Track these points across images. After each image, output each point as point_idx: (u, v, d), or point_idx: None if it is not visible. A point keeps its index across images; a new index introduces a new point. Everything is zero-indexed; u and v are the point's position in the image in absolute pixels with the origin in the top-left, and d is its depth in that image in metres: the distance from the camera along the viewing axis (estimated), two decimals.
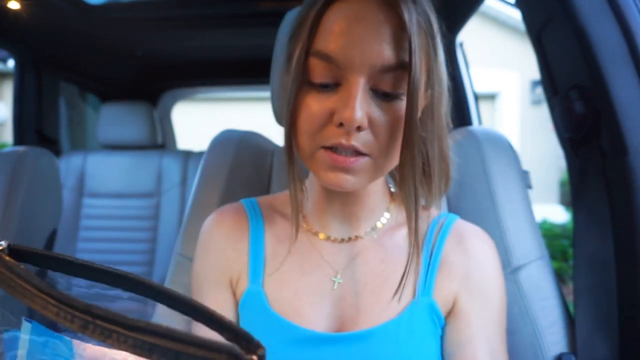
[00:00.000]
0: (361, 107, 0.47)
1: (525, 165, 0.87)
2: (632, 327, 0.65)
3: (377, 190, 0.61)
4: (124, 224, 1.99)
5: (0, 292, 0.27)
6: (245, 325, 0.60)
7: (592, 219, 0.73)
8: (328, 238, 0.61)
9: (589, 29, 0.67)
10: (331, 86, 0.50)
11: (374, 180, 0.55)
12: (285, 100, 0.53)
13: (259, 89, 2.73)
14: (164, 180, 2.02)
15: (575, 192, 0.79)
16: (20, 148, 1.34)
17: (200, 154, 2.01)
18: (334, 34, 0.48)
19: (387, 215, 0.62)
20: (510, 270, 0.76)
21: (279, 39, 0.72)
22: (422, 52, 0.49)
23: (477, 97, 1.83)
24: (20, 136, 1.99)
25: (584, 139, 0.74)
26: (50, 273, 0.29)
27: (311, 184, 0.63)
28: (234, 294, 0.62)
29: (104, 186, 2.03)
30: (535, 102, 6.93)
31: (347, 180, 0.51)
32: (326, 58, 0.49)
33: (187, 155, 2.06)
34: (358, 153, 0.50)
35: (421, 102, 0.53)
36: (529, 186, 0.87)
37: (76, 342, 0.29)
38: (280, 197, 0.68)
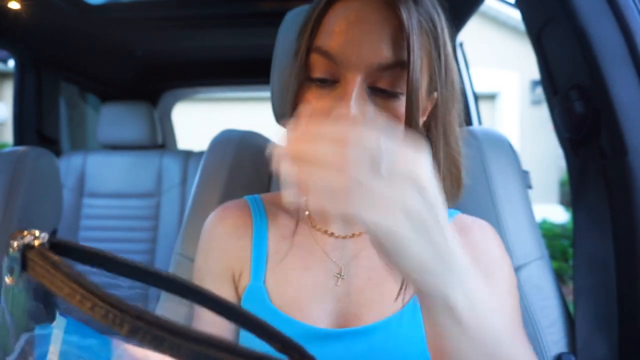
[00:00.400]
0: (356, 104, 0.48)
1: (525, 165, 0.87)
2: (631, 327, 0.65)
3: None
4: (124, 224, 1.99)
5: (31, 283, 0.26)
6: None
7: (592, 219, 0.73)
8: (332, 234, 0.62)
9: (589, 29, 0.67)
10: (330, 82, 0.52)
11: None
12: (288, 96, 0.55)
13: (259, 89, 2.73)
14: (164, 180, 2.02)
15: (575, 192, 0.79)
16: (21, 148, 1.34)
17: (200, 154, 2.01)
18: (334, 33, 0.50)
19: None
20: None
21: (279, 39, 0.72)
22: (422, 52, 0.50)
23: (477, 97, 1.83)
24: (20, 136, 1.99)
25: (583, 139, 0.74)
26: None
27: None
28: (237, 289, 0.62)
29: (104, 186, 2.03)
30: (535, 102, 6.93)
31: None
32: (325, 55, 0.51)
33: (187, 155, 2.06)
34: None
35: (422, 103, 0.53)
36: (529, 186, 0.87)
37: (116, 342, 0.28)
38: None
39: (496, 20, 6.76)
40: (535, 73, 1.02)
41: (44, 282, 0.23)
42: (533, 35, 0.84)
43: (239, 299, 0.62)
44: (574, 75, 0.74)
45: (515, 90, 7.00)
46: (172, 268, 0.81)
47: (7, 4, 1.46)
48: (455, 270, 0.36)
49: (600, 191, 0.71)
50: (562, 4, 0.69)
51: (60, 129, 2.19)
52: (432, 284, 0.35)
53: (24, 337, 0.27)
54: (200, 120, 5.86)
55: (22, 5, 1.48)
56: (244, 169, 0.87)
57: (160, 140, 2.15)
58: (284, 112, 0.70)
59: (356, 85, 0.49)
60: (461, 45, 1.74)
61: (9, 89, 5.18)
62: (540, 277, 0.76)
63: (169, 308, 0.76)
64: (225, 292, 0.62)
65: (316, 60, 0.52)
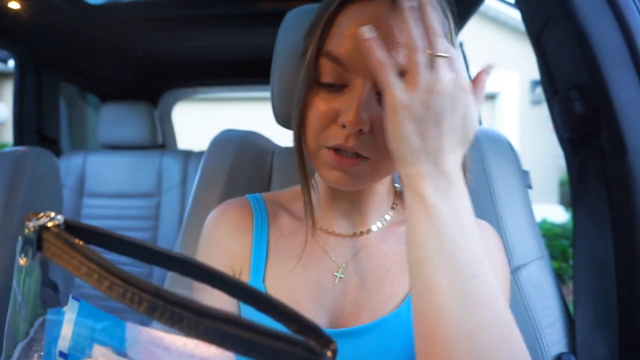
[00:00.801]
0: (364, 110, 0.48)
1: (525, 165, 0.87)
2: (631, 327, 0.65)
3: (383, 190, 0.62)
4: (124, 224, 1.99)
5: (39, 271, 0.26)
6: None
7: (592, 219, 0.73)
8: (332, 233, 0.62)
9: (589, 29, 0.67)
10: (338, 87, 0.51)
11: (374, 181, 0.56)
12: (295, 99, 0.54)
13: (259, 89, 2.73)
14: (164, 180, 2.02)
15: (575, 192, 0.79)
16: (21, 148, 1.34)
17: (200, 154, 2.01)
18: (344, 37, 0.50)
19: (391, 212, 0.63)
20: (510, 270, 0.76)
21: (279, 39, 0.71)
22: None
23: None
24: (20, 136, 1.99)
25: (583, 139, 0.74)
26: None
27: (316, 182, 0.63)
28: None
29: (104, 186, 2.03)
30: (535, 102, 6.93)
31: (346, 180, 0.53)
32: (335, 60, 0.50)
33: (187, 155, 2.06)
34: (358, 155, 0.51)
35: None
36: (529, 186, 0.87)
37: (130, 325, 0.27)
38: (285, 194, 0.69)
39: (496, 20, 6.77)
40: (535, 73, 1.02)
41: (60, 263, 0.23)
42: (533, 35, 0.84)
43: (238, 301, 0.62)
44: (574, 75, 0.74)
45: (515, 90, 7.00)
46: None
47: (7, 4, 1.46)
48: (440, 170, 0.42)
49: (600, 191, 0.71)
50: (562, 4, 0.69)
51: (60, 129, 2.19)
52: (416, 166, 0.42)
53: (38, 322, 0.27)
54: (200, 120, 5.86)
55: (22, 5, 1.48)
56: (244, 169, 0.87)
57: (160, 140, 2.15)
58: (284, 112, 0.70)
59: (364, 91, 0.49)
60: (461, 45, 1.74)
61: (9, 89, 5.18)
62: (540, 277, 0.76)
63: (175, 290, 0.76)
64: None
65: (325, 64, 0.51)
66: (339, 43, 0.50)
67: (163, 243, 1.95)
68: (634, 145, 0.65)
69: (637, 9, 0.67)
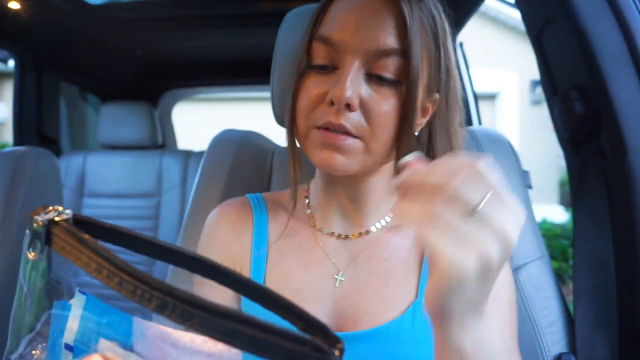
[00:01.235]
0: (352, 86, 0.49)
1: (525, 165, 0.87)
2: (631, 327, 0.65)
3: (381, 187, 0.60)
4: (124, 224, 1.94)
5: (43, 267, 0.25)
6: None
7: (592, 219, 0.73)
8: (332, 234, 0.61)
9: (589, 29, 0.67)
10: (329, 69, 0.53)
11: (367, 165, 0.55)
12: (290, 87, 0.56)
13: (259, 89, 2.73)
14: (164, 180, 2.02)
15: (575, 192, 0.79)
16: (21, 148, 1.34)
17: (200, 154, 2.01)
18: (335, 21, 0.52)
19: (392, 215, 0.62)
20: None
21: (279, 39, 0.71)
22: (422, 44, 0.51)
23: (477, 97, 1.83)
24: (20, 136, 1.98)
25: (583, 139, 0.74)
26: None
27: (316, 182, 0.63)
28: None
29: (104, 186, 2.03)
30: (535, 102, 6.93)
31: (337, 160, 0.52)
32: (325, 41, 0.52)
33: (187, 155, 2.06)
34: (348, 134, 0.51)
35: (422, 99, 0.53)
36: (529, 186, 0.87)
37: (137, 320, 0.27)
38: (286, 194, 0.68)
39: (496, 20, 6.76)
40: (535, 73, 1.02)
41: (69, 258, 0.23)
42: (533, 36, 0.84)
43: (239, 297, 0.62)
44: (574, 75, 0.74)
45: (515, 90, 7.00)
46: (172, 268, 0.81)
47: (7, 4, 1.46)
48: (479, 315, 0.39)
49: (600, 191, 0.71)
50: (562, 4, 0.69)
51: (60, 129, 2.19)
52: (462, 325, 0.38)
53: (44, 316, 0.27)
54: (200, 120, 5.86)
55: (22, 5, 1.48)
56: (244, 169, 0.87)
57: (160, 140, 2.15)
58: (284, 112, 0.70)
59: (352, 68, 0.50)
60: (461, 45, 1.74)
61: (9, 89, 5.18)
62: (540, 277, 0.76)
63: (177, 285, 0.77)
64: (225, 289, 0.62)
65: (317, 47, 0.53)
66: (330, 26, 0.53)
67: None
68: (634, 145, 0.65)
69: (637, 9, 0.67)
